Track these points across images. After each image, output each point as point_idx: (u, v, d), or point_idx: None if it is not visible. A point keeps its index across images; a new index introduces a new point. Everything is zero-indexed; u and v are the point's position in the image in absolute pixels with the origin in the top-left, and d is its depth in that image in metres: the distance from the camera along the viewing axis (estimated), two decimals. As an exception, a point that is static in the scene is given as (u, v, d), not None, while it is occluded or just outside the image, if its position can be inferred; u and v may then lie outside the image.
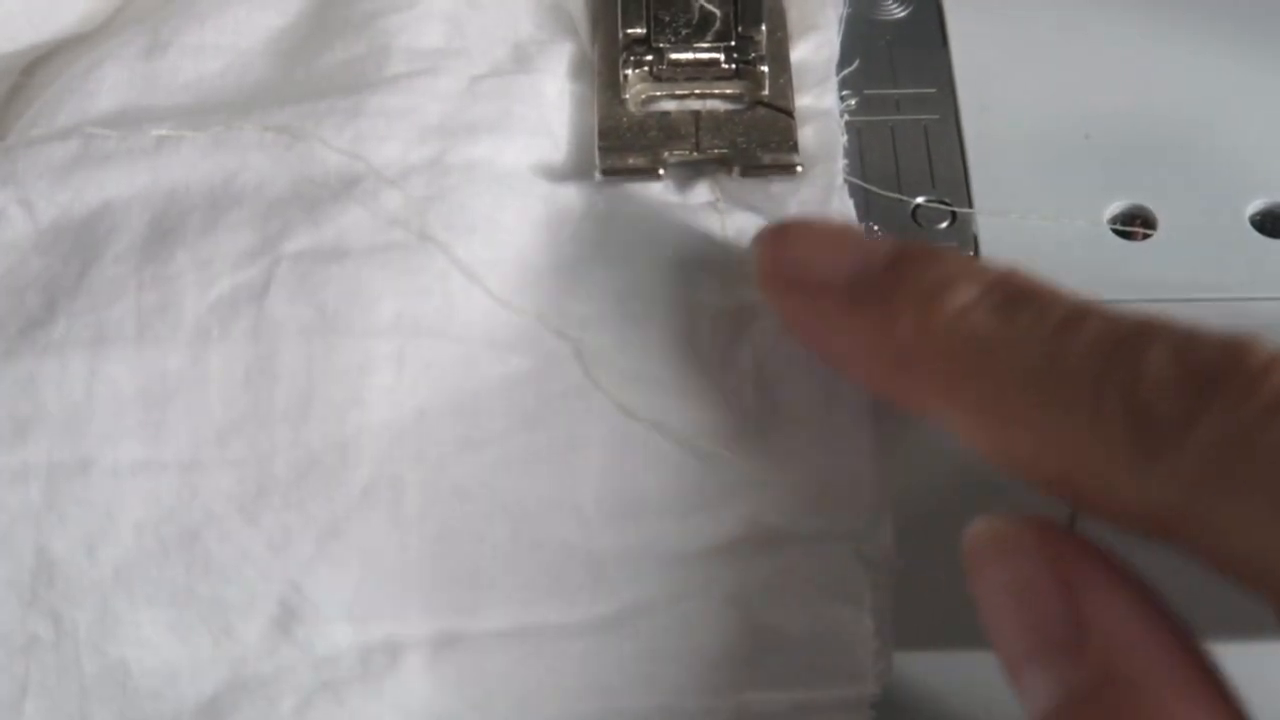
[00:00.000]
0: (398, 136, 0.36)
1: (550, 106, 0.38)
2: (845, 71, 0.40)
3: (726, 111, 0.38)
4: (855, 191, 0.38)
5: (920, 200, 0.39)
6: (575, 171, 0.38)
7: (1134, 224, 0.39)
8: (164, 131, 0.36)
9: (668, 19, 0.39)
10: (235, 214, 0.35)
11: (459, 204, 0.35)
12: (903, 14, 0.43)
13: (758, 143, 0.37)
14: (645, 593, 0.33)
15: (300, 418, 0.33)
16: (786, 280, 0.33)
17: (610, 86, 0.38)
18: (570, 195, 0.37)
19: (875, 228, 0.38)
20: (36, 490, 0.33)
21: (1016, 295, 0.30)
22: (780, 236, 0.34)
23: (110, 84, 0.38)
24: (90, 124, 0.37)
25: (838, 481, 0.34)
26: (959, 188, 0.39)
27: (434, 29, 0.39)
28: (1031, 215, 0.38)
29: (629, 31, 0.39)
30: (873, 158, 0.39)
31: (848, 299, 0.32)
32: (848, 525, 0.34)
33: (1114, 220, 0.39)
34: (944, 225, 0.38)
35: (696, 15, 0.39)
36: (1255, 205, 0.39)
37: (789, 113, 0.38)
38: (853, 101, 0.40)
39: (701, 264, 0.36)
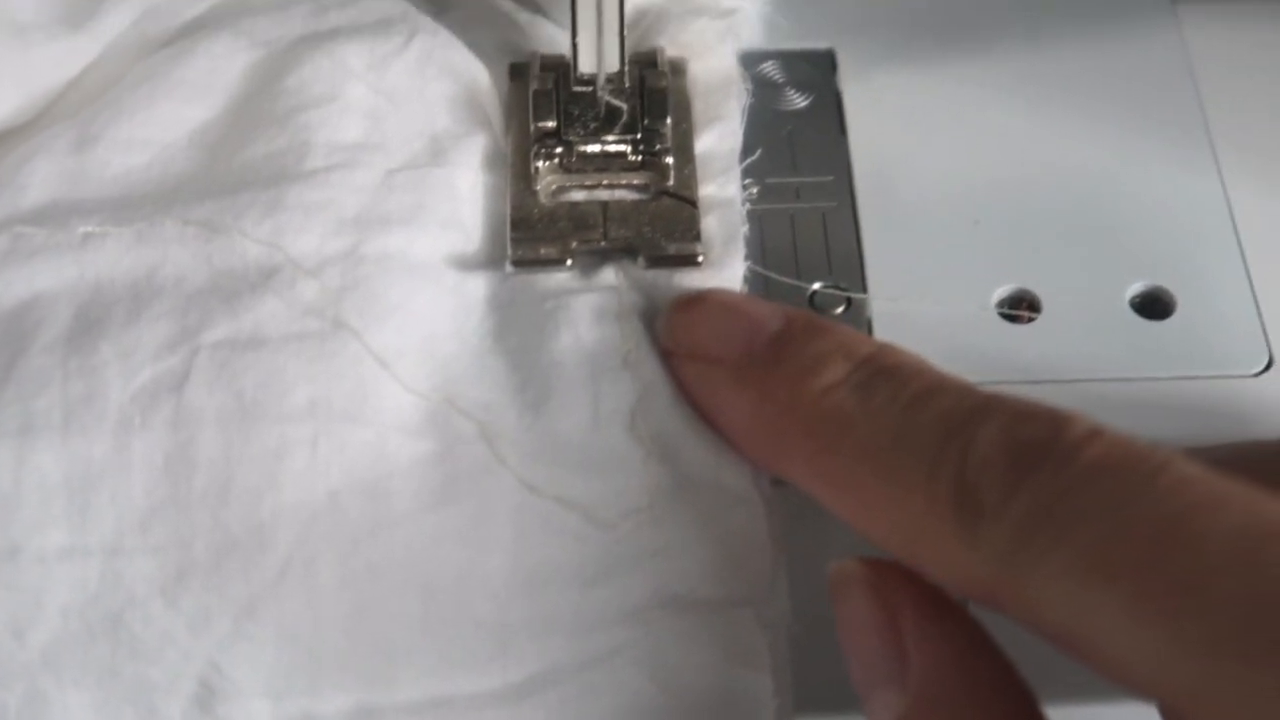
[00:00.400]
0: (315, 229, 0.37)
1: (462, 199, 0.40)
2: (748, 161, 0.41)
3: (633, 201, 0.40)
4: (756, 277, 0.40)
5: (817, 286, 0.40)
6: (486, 261, 0.39)
7: (1020, 307, 0.40)
8: (90, 228, 0.37)
9: (576, 113, 0.40)
10: (157, 306, 0.36)
11: (372, 294, 0.37)
12: (803, 104, 0.45)
13: (662, 233, 0.39)
14: (553, 661, 0.35)
15: (219, 502, 0.35)
16: (686, 351, 0.36)
17: (522, 178, 0.40)
18: (478, 285, 0.38)
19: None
20: None
21: (879, 372, 0.33)
22: (684, 308, 0.36)
23: (40, 178, 0.39)
24: (20, 220, 0.38)
25: (736, 549, 0.35)
26: (855, 273, 0.41)
27: (353, 124, 0.40)
28: (923, 300, 0.40)
29: (540, 125, 0.40)
30: (773, 244, 0.41)
31: (734, 375, 0.35)
32: (746, 591, 0.35)
33: (1001, 304, 0.40)
34: (840, 310, 0.40)
35: (604, 109, 0.40)
36: (1135, 288, 0.41)
37: (693, 202, 0.39)
38: (754, 190, 0.41)
39: (600, 349, 0.37)
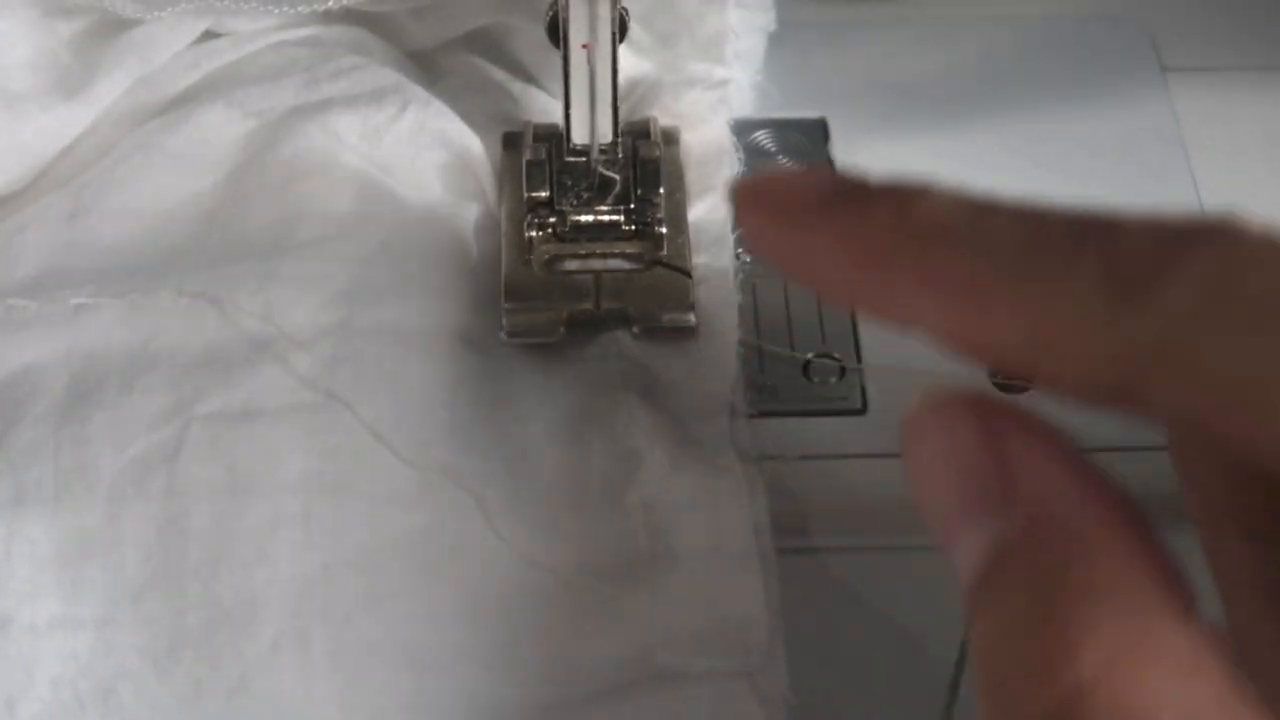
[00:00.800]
0: (308, 301, 0.38)
1: (456, 269, 0.40)
2: (740, 230, 0.42)
3: (626, 272, 0.40)
4: (749, 346, 0.40)
5: (811, 355, 0.40)
6: (480, 329, 0.39)
7: (1015, 377, 0.40)
8: (83, 300, 0.38)
9: (570, 183, 0.40)
10: (150, 377, 0.36)
11: (364, 365, 0.37)
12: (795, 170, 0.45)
13: (656, 303, 0.39)
14: None
15: (211, 575, 0.35)
16: (761, 199, 0.33)
17: (516, 247, 0.40)
18: (472, 355, 0.38)
19: (769, 383, 0.40)
20: None
21: (991, 201, 0.30)
22: (756, 177, 0.34)
23: (32, 249, 0.39)
24: (12, 292, 0.38)
25: (731, 620, 0.35)
26: (848, 341, 0.41)
27: (345, 194, 0.40)
28: (918, 369, 0.40)
29: (533, 195, 0.40)
30: (766, 313, 0.41)
31: (821, 203, 0.31)
32: (742, 663, 0.35)
33: (996, 373, 0.40)
34: (834, 380, 0.40)
35: (597, 179, 0.40)
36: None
37: (686, 273, 0.39)
38: (748, 259, 0.41)
39: (592, 418, 0.37)
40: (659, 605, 0.35)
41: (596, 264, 0.40)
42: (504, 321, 0.39)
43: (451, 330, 0.39)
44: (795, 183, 0.31)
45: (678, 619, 0.35)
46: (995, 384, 0.40)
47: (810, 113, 0.46)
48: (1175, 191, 0.44)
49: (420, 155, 0.41)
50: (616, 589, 0.35)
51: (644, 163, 0.40)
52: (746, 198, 0.32)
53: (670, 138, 0.42)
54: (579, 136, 0.40)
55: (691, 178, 0.42)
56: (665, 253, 0.40)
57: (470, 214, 0.41)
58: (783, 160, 0.45)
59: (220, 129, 0.42)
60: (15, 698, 0.34)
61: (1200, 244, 0.25)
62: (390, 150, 0.41)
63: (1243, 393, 0.25)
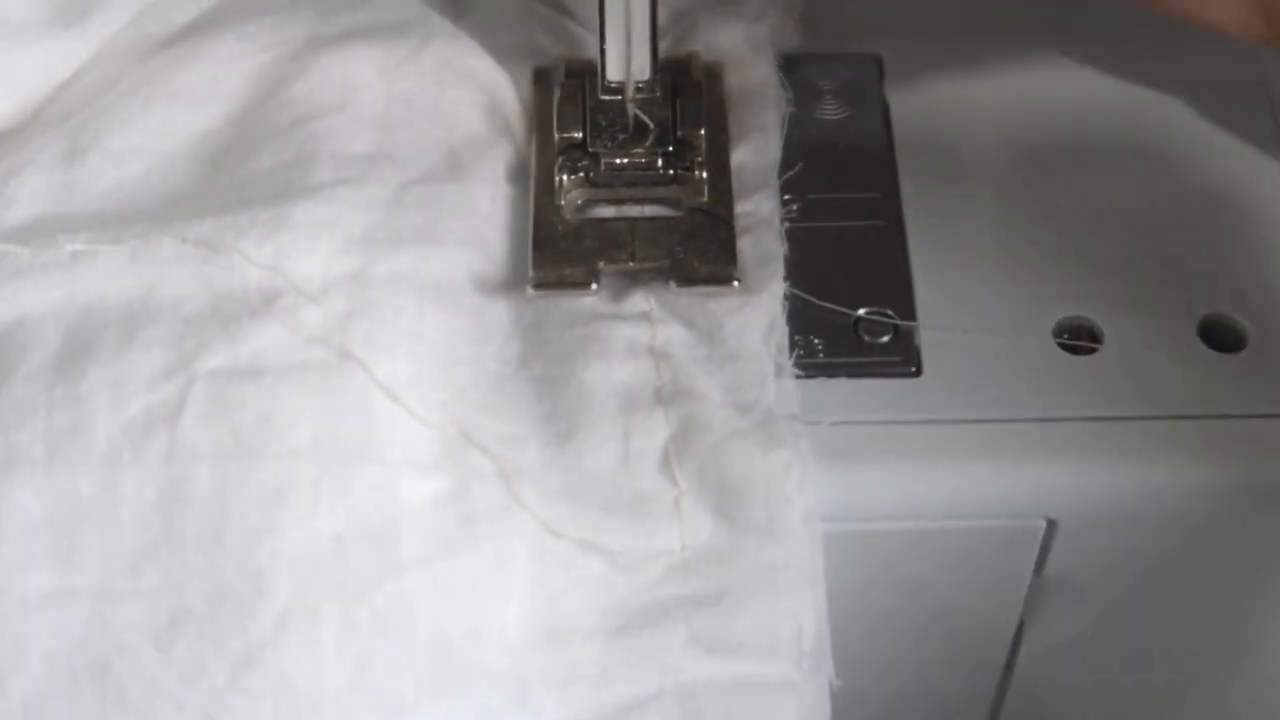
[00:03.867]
0: (320, 250, 0.37)
1: (482, 215, 0.39)
2: (787, 175, 0.40)
3: (664, 219, 0.39)
4: (795, 301, 0.39)
5: (862, 312, 0.38)
6: (507, 280, 0.38)
7: (1081, 337, 0.38)
8: (79, 247, 0.37)
9: (604, 123, 0.39)
10: (151, 331, 0.36)
11: (380, 319, 0.36)
12: (847, 113, 0.43)
13: (695, 253, 0.38)
14: (574, 714, 0.34)
15: (213, 545, 0.34)
16: None
17: (546, 192, 0.39)
18: (498, 308, 0.38)
19: (817, 341, 0.38)
20: None
21: None
22: None
23: (28, 191, 0.38)
24: (5, 236, 0.37)
25: (779, 609, 0.34)
26: (903, 297, 0.40)
27: (363, 134, 0.39)
28: (976, 329, 0.38)
29: (564, 136, 0.39)
30: (814, 266, 0.40)
31: None
32: (788, 666, 0.34)
33: (1060, 333, 0.38)
34: (886, 338, 0.38)
35: (633, 120, 0.39)
36: (1204, 317, 0.39)
37: (728, 221, 0.38)
38: (794, 206, 0.40)
39: (630, 380, 0.36)
40: (699, 583, 0.34)
41: (632, 211, 0.39)
42: (531, 273, 0.37)
43: (476, 281, 0.38)
44: None
45: (719, 600, 0.34)
46: (1060, 344, 0.38)
47: (864, 47, 0.44)
48: (1260, 144, 0.43)
49: (444, 93, 0.40)
50: (650, 563, 0.34)
51: (684, 102, 0.39)
52: None
53: (713, 75, 0.41)
54: (614, 73, 0.39)
55: (734, 118, 0.41)
56: (706, 199, 0.39)
57: (498, 156, 0.40)
58: (834, 101, 0.43)
59: (229, 64, 0.41)
60: (6, 674, 0.34)
61: None
62: (412, 87, 0.40)
63: None
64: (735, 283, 0.37)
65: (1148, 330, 0.39)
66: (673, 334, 0.37)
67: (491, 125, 0.41)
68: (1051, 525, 0.38)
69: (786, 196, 0.40)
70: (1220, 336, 0.39)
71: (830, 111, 0.43)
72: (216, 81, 0.40)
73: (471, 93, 0.41)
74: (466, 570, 0.34)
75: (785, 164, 0.40)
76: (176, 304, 0.36)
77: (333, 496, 0.34)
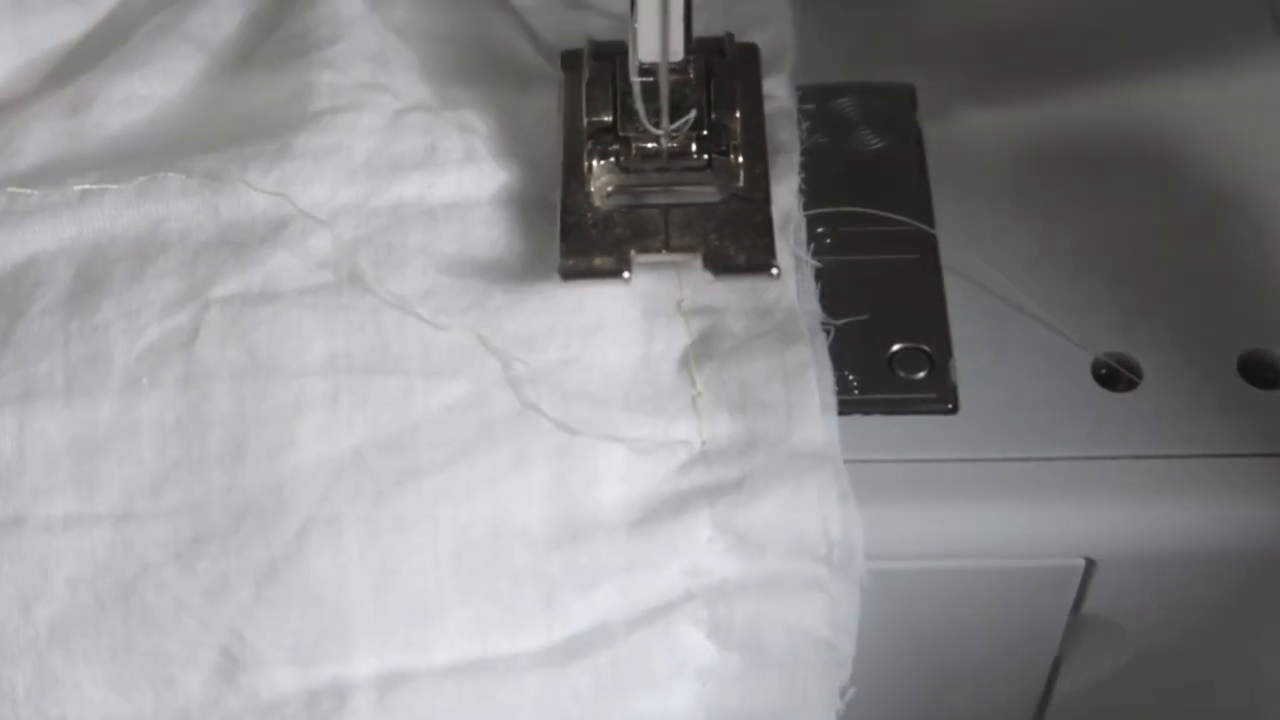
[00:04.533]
0: (324, 178, 0.37)
1: (478, 135, 0.39)
2: (820, 210, 0.40)
3: (698, 205, 0.38)
4: (829, 337, 0.38)
5: (897, 347, 0.38)
6: (516, 190, 0.38)
7: (1120, 372, 0.38)
8: (87, 186, 0.37)
9: (636, 106, 0.38)
10: (162, 262, 0.36)
11: (388, 244, 0.37)
12: (880, 144, 0.42)
13: (731, 241, 0.37)
14: (602, 617, 0.34)
15: (234, 462, 0.34)
16: None
17: (575, 178, 0.38)
18: (513, 215, 0.38)
19: (852, 378, 0.38)
20: None
21: None
22: None
23: (35, 140, 0.39)
24: (14, 182, 0.38)
25: (805, 512, 0.34)
26: (939, 332, 0.39)
27: (358, 65, 0.40)
28: (1013, 364, 0.38)
29: (594, 120, 0.38)
30: (847, 300, 0.39)
31: None
32: (817, 566, 0.34)
33: (1100, 369, 0.38)
34: (922, 374, 0.37)
35: (666, 103, 0.38)
36: (1244, 352, 0.38)
37: (765, 206, 0.37)
38: (828, 241, 0.40)
39: (653, 289, 0.37)
40: (721, 474, 0.35)
41: (665, 197, 0.38)
42: (561, 262, 0.36)
43: (484, 194, 0.38)
44: None
45: (740, 491, 0.34)
46: (1097, 378, 0.38)
47: (897, 77, 0.43)
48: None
49: (438, 21, 0.41)
50: (671, 454, 0.35)
51: (718, 84, 0.38)
52: None
53: (749, 56, 0.40)
54: (647, 54, 0.37)
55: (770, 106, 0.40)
56: (742, 184, 0.38)
57: (493, 79, 0.41)
58: (867, 132, 0.42)
59: (228, 9, 0.42)
60: (31, 599, 0.34)
61: None
62: (406, 17, 0.41)
63: None
64: (774, 270, 0.36)
65: (1187, 367, 0.38)
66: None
67: (485, 52, 0.41)
68: (1090, 564, 0.37)
69: (820, 229, 0.40)
70: (1260, 372, 0.38)
71: (863, 142, 0.43)
72: (215, 28, 0.41)
73: (465, 24, 0.41)
74: (485, 472, 0.34)
75: (817, 192, 0.40)
76: (185, 235, 0.37)
77: (350, 409, 0.34)
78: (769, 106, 0.40)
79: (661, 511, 0.34)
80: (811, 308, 0.38)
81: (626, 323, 0.36)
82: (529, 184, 0.39)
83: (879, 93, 0.44)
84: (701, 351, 0.36)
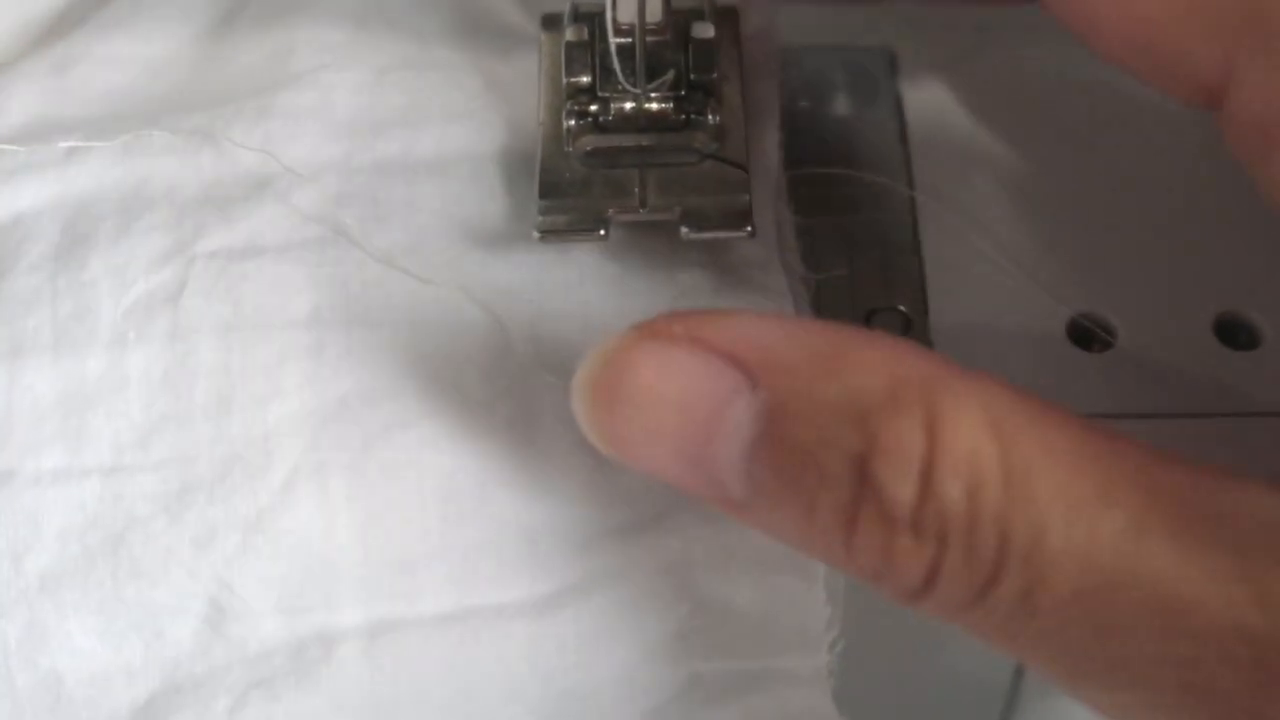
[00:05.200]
0: (307, 135, 0.38)
1: (461, 93, 0.39)
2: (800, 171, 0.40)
3: (675, 166, 0.38)
4: (806, 299, 0.38)
5: (874, 307, 0.39)
6: (499, 147, 0.39)
7: (1095, 334, 0.38)
8: (72, 143, 0.38)
9: (614, 67, 0.38)
10: (148, 218, 0.37)
11: (373, 199, 0.37)
12: (860, 108, 0.42)
13: (708, 201, 0.37)
14: (585, 568, 0.34)
15: (221, 413, 0.35)
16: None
17: (553, 138, 0.38)
18: (497, 171, 0.38)
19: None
20: None
21: None
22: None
23: (19, 100, 0.40)
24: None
25: None
26: (916, 293, 0.39)
27: (340, 25, 0.40)
28: (989, 324, 0.38)
29: (573, 80, 0.39)
30: (826, 262, 0.39)
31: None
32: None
33: (1075, 329, 0.38)
34: (899, 334, 0.38)
35: (643, 64, 0.38)
36: (1218, 314, 0.38)
37: (743, 167, 0.38)
38: (807, 201, 0.40)
39: (639, 241, 0.37)
40: None
41: (643, 157, 0.38)
42: (538, 221, 0.37)
43: (468, 151, 0.38)
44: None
45: None
46: (1072, 338, 0.38)
47: (877, 41, 0.44)
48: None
49: None
50: None
51: (697, 44, 0.39)
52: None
53: (727, 18, 0.40)
54: (625, 14, 0.38)
55: (747, 63, 0.40)
56: (719, 145, 0.38)
57: (474, 40, 0.41)
58: (846, 96, 0.43)
59: None
60: (21, 552, 0.34)
61: None
62: None
63: None
64: (749, 228, 0.36)
65: (1162, 327, 0.39)
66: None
67: (467, 13, 0.41)
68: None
69: (800, 190, 0.40)
70: (1234, 334, 0.39)
71: (843, 106, 0.43)
72: None
73: None
74: (468, 419, 0.34)
75: (797, 159, 0.40)
76: (171, 192, 0.37)
77: (335, 359, 0.35)
78: (749, 68, 0.40)
79: None
80: (794, 265, 0.38)
81: (607, 278, 0.36)
82: (511, 142, 0.39)
83: (859, 57, 0.44)
84: (683, 305, 0.36)
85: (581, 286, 0.36)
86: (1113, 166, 0.42)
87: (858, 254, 0.40)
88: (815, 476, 0.28)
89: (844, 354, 0.29)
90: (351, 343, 0.35)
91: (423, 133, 0.38)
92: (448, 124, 0.39)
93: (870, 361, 0.29)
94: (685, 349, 0.30)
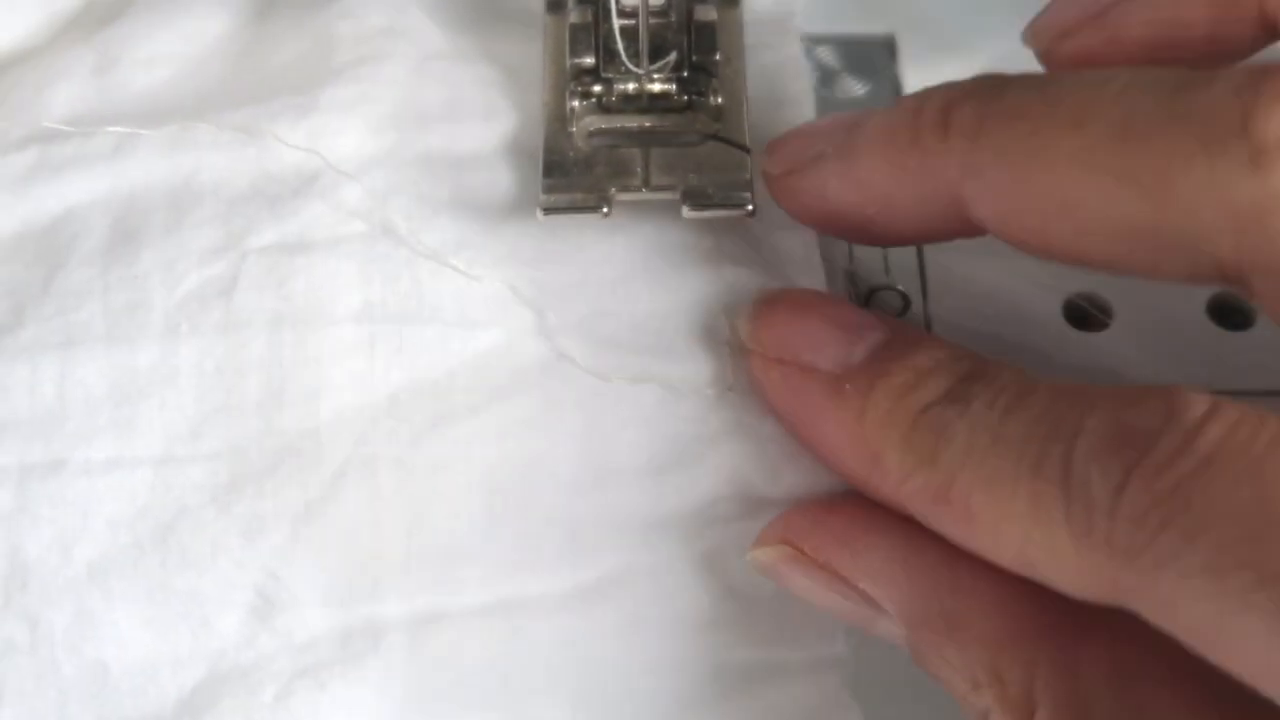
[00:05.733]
0: (352, 131, 0.38)
1: (496, 88, 0.40)
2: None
3: (677, 146, 0.39)
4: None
5: (873, 287, 0.39)
6: (537, 143, 0.39)
7: (1091, 313, 0.39)
8: (120, 129, 0.38)
9: (617, 49, 0.39)
10: (198, 213, 0.37)
11: (419, 195, 0.37)
12: (861, 93, 0.43)
13: (709, 180, 0.38)
14: (624, 560, 0.35)
15: (273, 407, 0.35)
16: (773, 354, 0.35)
17: (557, 119, 0.39)
18: (536, 166, 0.38)
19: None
20: (7, 493, 0.35)
21: (977, 380, 0.32)
22: (771, 306, 0.35)
23: (63, 99, 0.40)
24: (45, 137, 0.38)
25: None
26: (913, 274, 0.40)
27: (376, 12, 0.40)
28: (986, 305, 0.39)
29: (577, 61, 0.39)
30: (824, 243, 0.39)
31: (829, 386, 0.34)
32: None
33: (1071, 309, 0.39)
34: (897, 314, 0.38)
35: (647, 45, 0.39)
36: (1211, 294, 0.39)
37: (744, 148, 0.38)
38: None
39: (681, 241, 0.37)
40: (742, 415, 0.35)
41: (646, 138, 0.39)
42: (541, 198, 0.37)
43: (513, 147, 0.39)
44: (804, 343, 0.34)
45: (761, 431, 0.35)
46: (1068, 318, 0.39)
47: (878, 28, 0.45)
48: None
49: None
50: (697, 394, 0.35)
51: (699, 26, 0.39)
52: (758, 355, 0.35)
53: (728, 1, 0.41)
54: None
55: (751, 43, 0.41)
56: (721, 126, 0.39)
57: (504, 32, 0.41)
58: (848, 81, 0.43)
59: None
60: (71, 541, 0.35)
61: (1150, 457, 0.28)
62: None
63: (1212, 633, 0.27)
64: (749, 208, 0.37)
65: (1157, 308, 0.39)
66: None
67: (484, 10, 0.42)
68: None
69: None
70: (1228, 314, 0.39)
71: (843, 91, 0.44)
72: None
73: None
74: (518, 416, 0.35)
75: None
76: (218, 187, 0.37)
77: (387, 355, 0.35)
78: (772, 56, 0.41)
79: (686, 457, 0.35)
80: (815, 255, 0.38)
81: (654, 274, 0.37)
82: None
83: (860, 43, 0.45)
84: (728, 300, 0.36)
85: (628, 284, 0.36)
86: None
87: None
88: None
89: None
90: (402, 339, 0.35)
91: (466, 126, 0.39)
92: (491, 117, 0.39)
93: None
94: (822, 580, 0.33)
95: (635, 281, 0.37)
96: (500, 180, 0.38)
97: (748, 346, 0.35)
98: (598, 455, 0.35)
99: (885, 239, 0.36)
